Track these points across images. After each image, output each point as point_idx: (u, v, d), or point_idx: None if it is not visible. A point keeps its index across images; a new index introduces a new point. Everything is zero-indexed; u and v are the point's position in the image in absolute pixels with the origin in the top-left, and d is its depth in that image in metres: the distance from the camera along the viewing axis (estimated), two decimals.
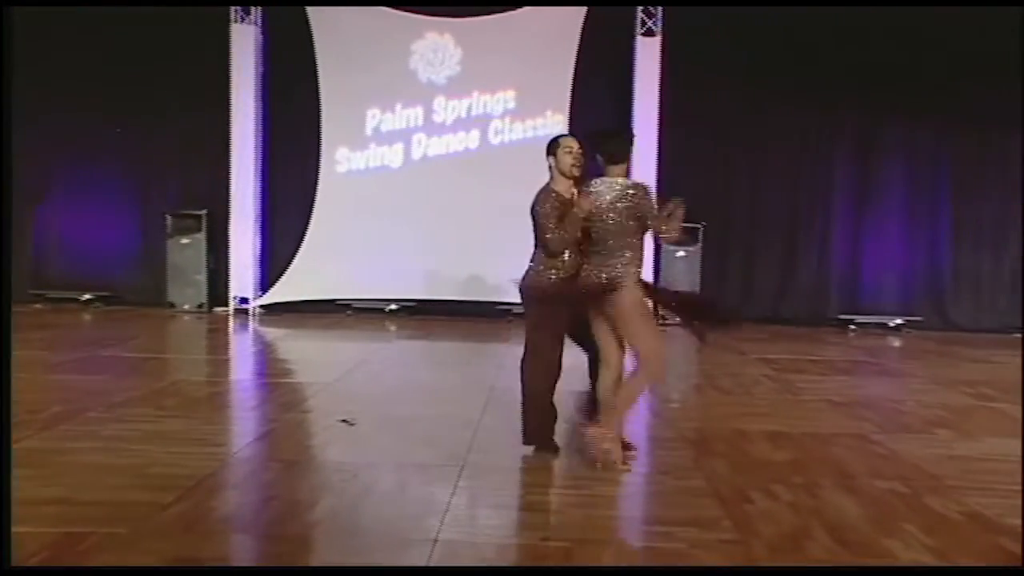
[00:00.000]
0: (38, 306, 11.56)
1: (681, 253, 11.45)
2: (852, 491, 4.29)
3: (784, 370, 8.09)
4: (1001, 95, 11.42)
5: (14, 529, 3.39)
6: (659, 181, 11.19)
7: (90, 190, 12.02)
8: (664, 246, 11.36)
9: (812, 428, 5.69)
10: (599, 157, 4.76)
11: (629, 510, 4.18)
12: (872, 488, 4.35)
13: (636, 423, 6.05)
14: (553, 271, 4.74)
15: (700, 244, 11.50)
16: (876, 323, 11.73)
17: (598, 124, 11.52)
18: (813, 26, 11.25)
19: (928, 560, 3.42)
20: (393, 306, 11.80)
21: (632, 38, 11.27)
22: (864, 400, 6.76)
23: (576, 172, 4.81)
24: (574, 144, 4.85)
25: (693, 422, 5.83)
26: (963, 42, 11.23)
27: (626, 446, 4.77)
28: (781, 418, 5.98)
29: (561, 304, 4.68)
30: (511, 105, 11.52)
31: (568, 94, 11.28)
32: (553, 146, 4.89)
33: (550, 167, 4.89)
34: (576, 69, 11.24)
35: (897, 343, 10.80)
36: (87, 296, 11.90)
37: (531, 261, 4.85)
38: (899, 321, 11.71)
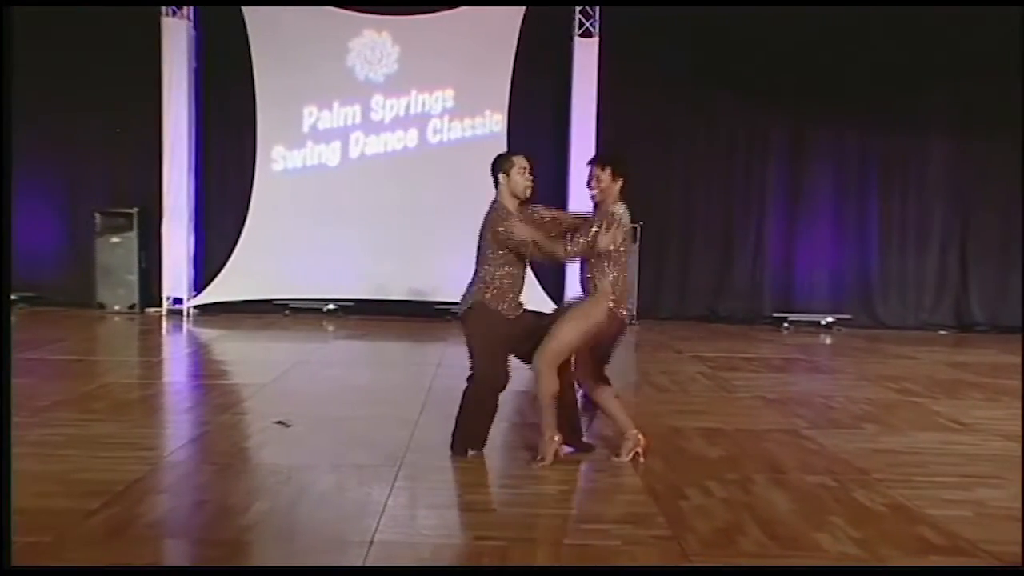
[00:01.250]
0: None
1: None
2: (783, 486, 4.39)
3: (719, 368, 8.23)
4: (924, 99, 11.82)
5: None
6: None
7: (15, 187, 11.62)
8: None
9: (746, 424, 5.80)
10: (620, 179, 4.68)
11: (565, 508, 4.20)
12: (802, 482, 4.46)
13: None
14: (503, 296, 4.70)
15: (637, 244, 11.61)
16: (808, 321, 12.01)
17: (536, 124, 11.62)
18: (748, 30, 11.47)
19: (854, 552, 3.52)
20: (331, 306, 11.69)
21: (570, 39, 11.35)
22: (796, 396, 6.92)
23: (528, 194, 4.72)
24: (527, 164, 4.72)
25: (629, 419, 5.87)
26: (889, 46, 11.58)
27: (586, 446, 4.88)
28: (716, 415, 6.08)
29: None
30: (449, 104, 11.50)
31: (507, 93, 11.31)
32: (505, 164, 4.72)
33: (498, 184, 4.74)
34: (515, 69, 11.27)
35: (828, 340, 11.07)
36: (12, 297, 11.51)
37: (485, 280, 4.73)
38: (830, 319, 12.00)
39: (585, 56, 11.26)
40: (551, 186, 11.50)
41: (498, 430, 5.37)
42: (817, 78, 11.74)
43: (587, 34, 11.33)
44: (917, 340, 11.13)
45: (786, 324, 11.93)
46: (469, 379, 4.75)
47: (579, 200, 11.32)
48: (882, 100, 11.73)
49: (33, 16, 11.08)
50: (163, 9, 11.14)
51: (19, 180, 11.56)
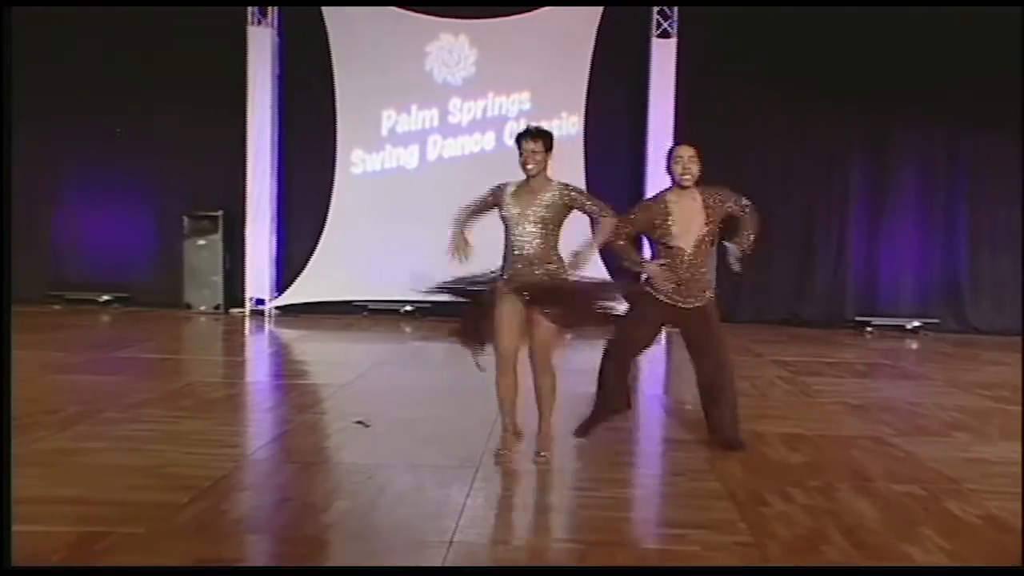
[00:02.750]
0: (56, 307, 11.64)
1: None
2: (869, 494, 4.26)
3: (800, 372, 8.05)
4: (1017, 96, 11.33)
5: (32, 528, 3.43)
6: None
7: (108, 191, 12.10)
8: None
9: (828, 430, 5.66)
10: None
11: (643, 512, 4.16)
12: (889, 491, 4.32)
13: (650, 425, 6.06)
14: None
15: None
16: (893, 325, 11.65)
17: (613, 126, 11.56)
18: (829, 27, 11.20)
19: (946, 564, 3.39)
20: (408, 307, 11.81)
21: (648, 39, 11.24)
22: (881, 402, 6.72)
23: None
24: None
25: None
26: (980, 42, 11.15)
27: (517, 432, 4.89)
28: (797, 420, 5.95)
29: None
30: (526, 106, 11.52)
31: (583, 95, 11.27)
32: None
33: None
34: (592, 70, 11.22)
35: (914, 345, 10.72)
36: (105, 297, 11.97)
37: None
38: (916, 323, 11.63)
39: (662, 57, 11.15)
40: (627, 187, 11.46)
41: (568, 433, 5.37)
42: (904, 74, 11.39)
43: (665, 35, 11.21)
44: (1009, 345, 10.69)
45: (869, 328, 11.60)
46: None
47: None
48: (974, 96, 11.29)
49: (126, 25, 11.50)
50: (248, 18, 11.43)
51: (111, 185, 12.04)
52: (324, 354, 9.39)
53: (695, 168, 4.90)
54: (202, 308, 11.78)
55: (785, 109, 11.69)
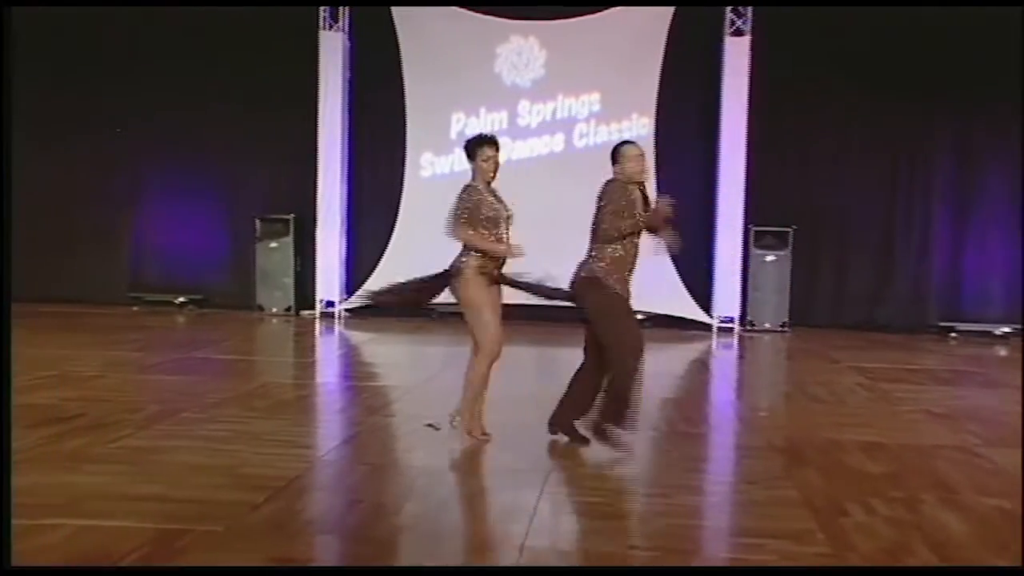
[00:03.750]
0: (135, 308, 12.01)
1: (771, 257, 11.22)
2: (956, 507, 4.13)
3: (880, 379, 7.85)
4: None
5: (115, 523, 3.55)
6: (748, 183, 11.03)
7: (184, 195, 12.43)
8: (752, 251, 11.18)
9: (911, 439, 5.50)
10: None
11: (716, 520, 4.11)
12: (978, 505, 4.18)
13: (722, 431, 5.98)
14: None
15: (790, 248, 11.25)
16: (980, 331, 11.26)
17: (684, 127, 11.45)
18: (909, 25, 10.89)
19: None
20: None
21: (720, 38, 11.10)
22: (967, 411, 6.50)
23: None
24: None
25: (783, 430, 5.70)
26: None
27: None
28: (877, 428, 5.80)
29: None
30: (596, 108, 11.48)
31: (655, 96, 11.16)
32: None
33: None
34: (663, 70, 11.12)
35: (1003, 352, 10.35)
36: (181, 299, 12.31)
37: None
38: (1006, 329, 11.22)
39: (736, 56, 10.98)
40: (698, 188, 11.33)
41: (646, 438, 5.33)
42: (988, 74, 11.00)
43: (738, 33, 11.05)
44: None
45: (954, 334, 11.23)
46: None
47: (728, 202, 11.12)
48: None
49: (200, 29, 11.79)
50: (320, 21, 11.63)
51: (187, 188, 12.38)
52: (393, 356, 9.50)
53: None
54: (273, 310, 12.03)
55: (863, 108, 11.40)
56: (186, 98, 12.05)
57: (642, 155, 5.15)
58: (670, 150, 11.14)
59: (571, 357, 9.00)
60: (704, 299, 11.18)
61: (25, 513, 3.54)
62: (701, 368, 9.33)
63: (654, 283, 11.37)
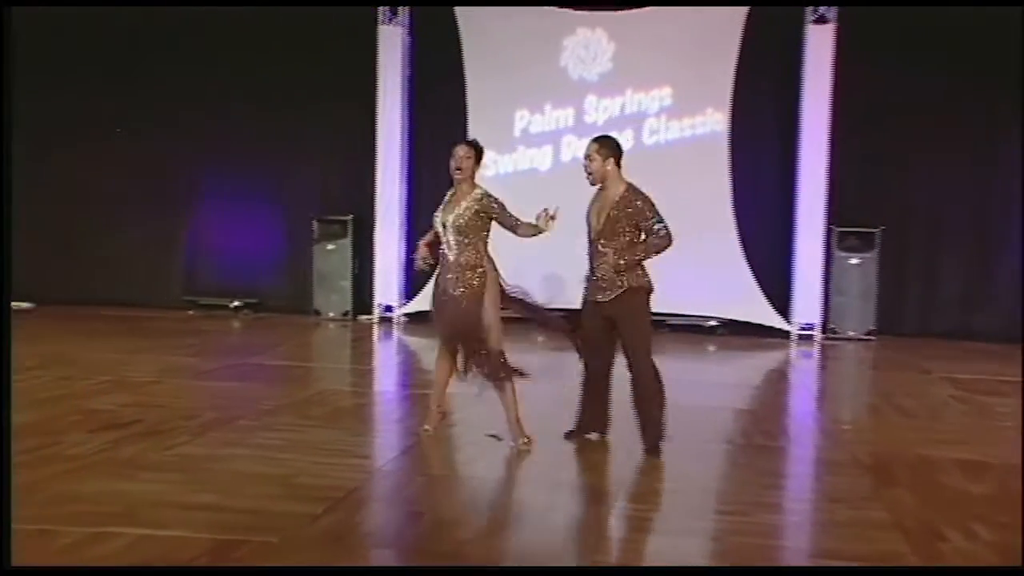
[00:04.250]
0: (190, 312, 12.28)
1: (855, 260, 10.97)
2: None
3: (977, 391, 7.60)
4: None
5: (171, 533, 3.62)
6: (831, 181, 10.80)
7: (239, 195, 12.65)
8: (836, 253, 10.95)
9: (1017, 459, 5.30)
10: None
11: (797, 540, 4.02)
12: None
13: (802, 445, 5.86)
14: None
15: (877, 250, 10.98)
16: None
17: (762, 122, 11.27)
18: (1012, 10, 10.54)
19: None
20: None
21: (801, 27, 10.89)
22: None
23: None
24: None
25: (869, 446, 5.56)
26: None
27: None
28: (976, 446, 5.61)
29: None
30: (667, 102, 11.36)
31: (729, 90, 11.00)
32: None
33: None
34: (739, 62, 10.95)
35: None
36: (236, 303, 12.54)
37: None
38: None
39: (819, 45, 10.75)
40: (776, 187, 11.15)
41: (720, 451, 5.26)
42: None
43: (821, 20, 10.83)
44: None
45: None
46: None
47: (808, 201, 10.91)
48: None
49: (256, 29, 12.02)
50: (379, 16, 11.76)
51: (242, 189, 12.60)
52: None
53: (593, 166, 5.44)
54: (330, 314, 12.17)
55: (957, 98, 11.06)
56: (242, 97, 12.26)
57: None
58: (746, 147, 10.99)
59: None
60: (782, 305, 10.97)
61: (87, 520, 3.66)
62: (779, 378, 9.18)
63: (729, 287, 11.29)
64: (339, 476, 4.54)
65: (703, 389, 7.72)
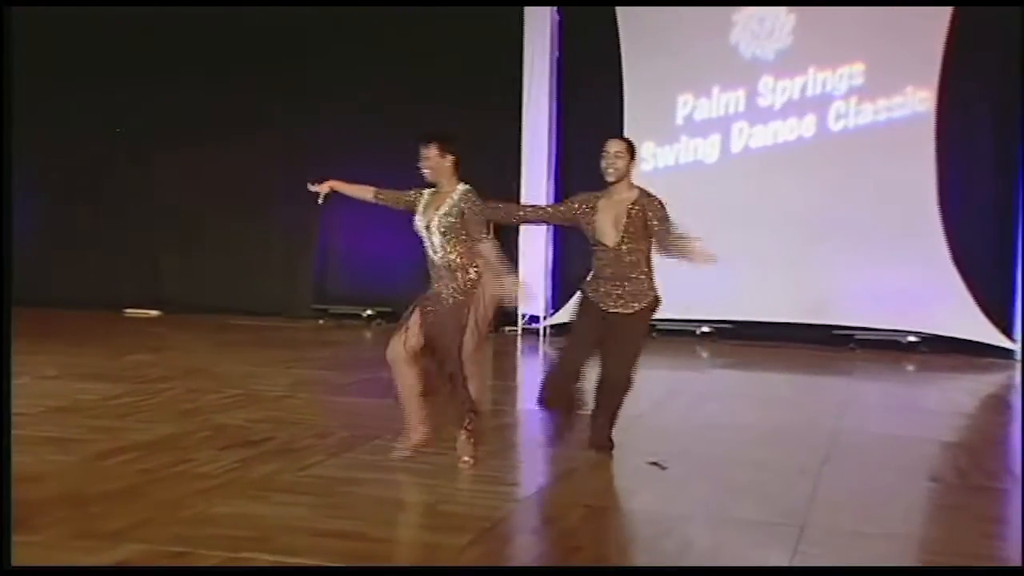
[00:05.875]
0: (321, 322, 12.78)
1: None
2: None
3: None
4: None
5: (304, 560, 3.79)
6: None
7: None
8: None
9: None
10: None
11: None
12: None
13: None
14: None
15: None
16: None
17: (978, 101, 10.75)
18: None
19: None
20: (705, 328, 11.72)
21: None
22: None
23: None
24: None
25: None
26: None
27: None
28: None
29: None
30: (858, 81, 11.03)
31: (938, 64, 10.54)
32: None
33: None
34: (950, 30, 10.46)
35: None
36: (368, 312, 12.95)
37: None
38: None
39: None
40: (996, 180, 10.61)
41: (923, 489, 5.09)
42: None
43: None
44: None
45: None
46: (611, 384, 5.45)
47: None
48: None
49: (383, 12, 12.32)
50: None
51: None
52: None
53: (620, 164, 5.44)
54: None
55: None
56: (373, 88, 12.64)
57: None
58: (958, 132, 10.54)
59: (827, 386, 8.71)
60: (1002, 318, 10.45)
61: (223, 544, 3.88)
62: (999, 405, 8.76)
63: (933, 297, 10.87)
64: (486, 504, 4.62)
65: (902, 415, 7.50)
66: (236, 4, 12.44)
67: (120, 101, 13.31)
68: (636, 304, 5.42)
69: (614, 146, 5.51)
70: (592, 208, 5.53)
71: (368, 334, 12.25)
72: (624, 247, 5.42)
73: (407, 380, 5.43)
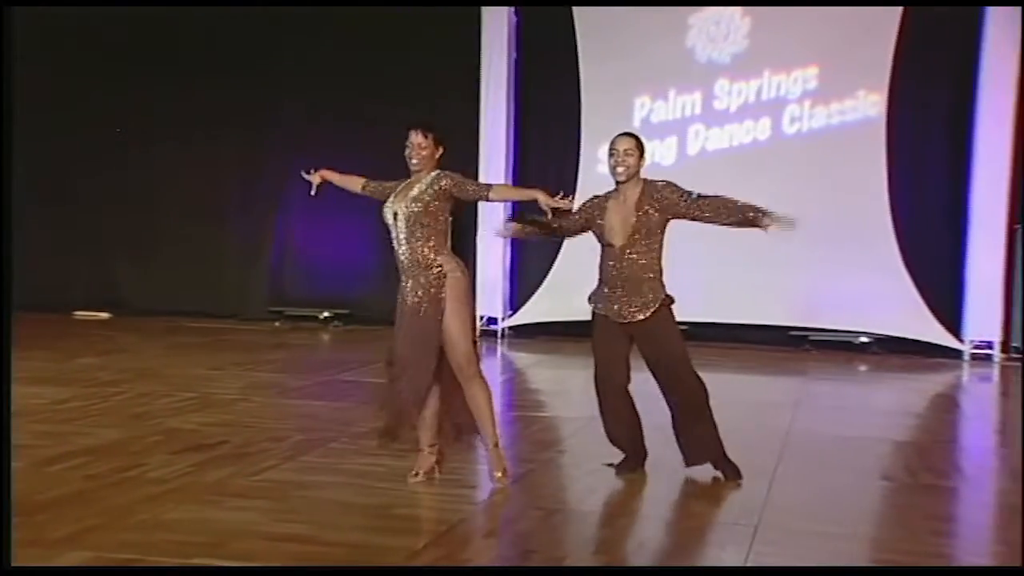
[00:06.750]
0: (277, 324, 12.66)
1: None
2: None
3: None
4: None
5: (259, 565, 3.75)
6: (1013, 176, 10.39)
7: (328, 199, 12.86)
8: None
9: None
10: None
11: None
12: None
13: (980, 486, 5.67)
14: None
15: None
16: None
17: (927, 107, 10.90)
18: None
19: None
20: None
21: None
22: None
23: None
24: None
25: None
26: None
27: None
28: None
29: None
30: (812, 85, 11.12)
31: (888, 67, 10.68)
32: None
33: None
34: (900, 33, 10.59)
35: None
36: (325, 314, 12.86)
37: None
38: None
39: (1002, 14, 10.32)
40: (946, 182, 10.78)
41: (875, 488, 5.14)
42: None
43: None
44: None
45: None
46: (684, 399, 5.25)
47: (985, 197, 10.50)
48: None
49: (343, 15, 12.25)
50: None
51: (330, 192, 12.84)
52: (564, 382, 9.54)
53: (631, 161, 5.21)
54: None
55: None
56: (329, 91, 12.57)
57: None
58: (908, 135, 10.67)
59: (782, 387, 8.81)
60: (951, 319, 10.60)
61: (174, 550, 3.84)
62: (948, 405, 8.88)
63: (884, 298, 11.00)
64: (442, 507, 4.62)
65: (854, 416, 7.58)
66: (186, 4, 12.29)
67: (70, 103, 13.10)
68: (653, 305, 5.19)
69: (624, 144, 5.26)
70: (602, 209, 5.33)
71: (325, 336, 12.18)
72: (632, 248, 5.23)
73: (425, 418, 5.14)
